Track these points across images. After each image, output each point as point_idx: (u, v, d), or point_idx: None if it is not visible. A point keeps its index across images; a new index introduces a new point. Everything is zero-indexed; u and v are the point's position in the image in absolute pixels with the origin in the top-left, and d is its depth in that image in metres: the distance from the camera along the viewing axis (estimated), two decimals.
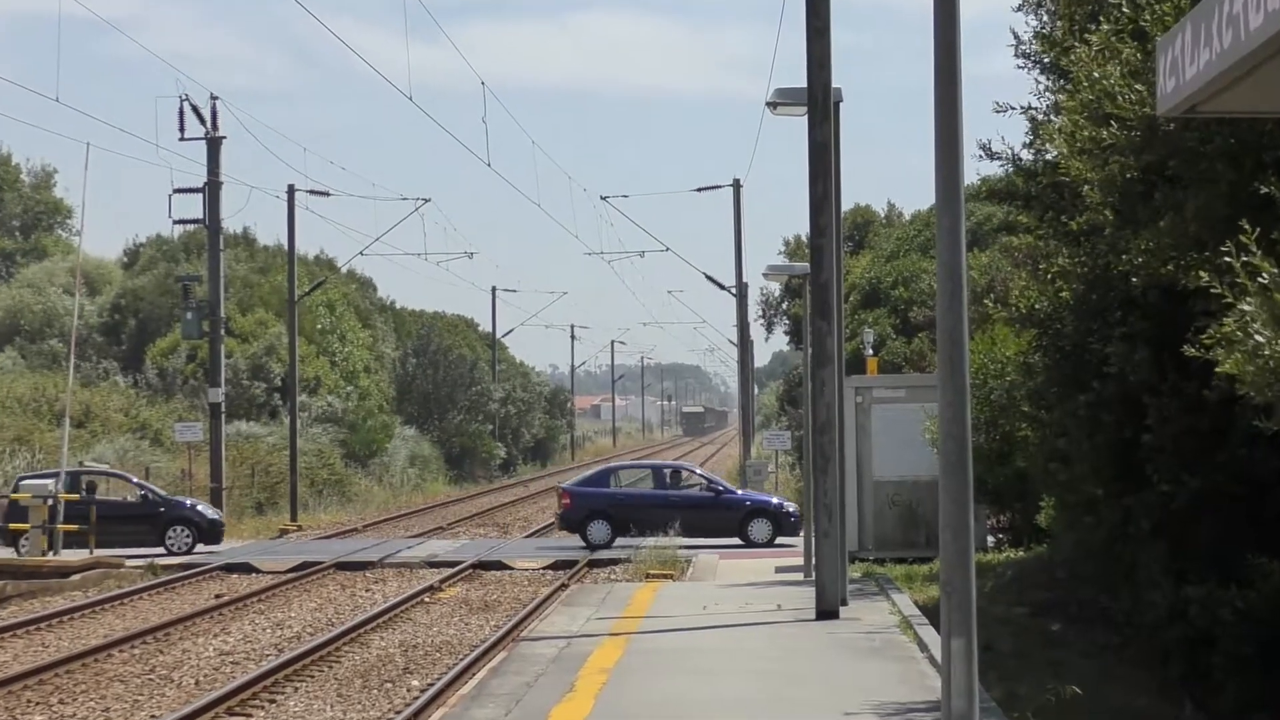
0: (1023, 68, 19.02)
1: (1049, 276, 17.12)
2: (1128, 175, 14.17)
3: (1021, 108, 18.55)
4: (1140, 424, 15.30)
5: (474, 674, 18.41)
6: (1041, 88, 18.74)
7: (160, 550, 35.01)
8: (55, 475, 34.38)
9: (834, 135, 20.76)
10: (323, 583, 31.20)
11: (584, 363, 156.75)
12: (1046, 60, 18.47)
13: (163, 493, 37.42)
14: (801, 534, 29.63)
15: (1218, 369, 9.64)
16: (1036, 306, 17.68)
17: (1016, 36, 19.13)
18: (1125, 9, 14.27)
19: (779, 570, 28.31)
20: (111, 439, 48.81)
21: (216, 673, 20.30)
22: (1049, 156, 17.89)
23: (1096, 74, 13.95)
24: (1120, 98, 13.44)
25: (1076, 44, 15.53)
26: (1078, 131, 14.36)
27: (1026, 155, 19.04)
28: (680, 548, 31.13)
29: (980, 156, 19.11)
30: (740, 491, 37.57)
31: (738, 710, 14.34)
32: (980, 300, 20.46)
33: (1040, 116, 18.42)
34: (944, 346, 9.28)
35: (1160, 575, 15.51)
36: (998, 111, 18.61)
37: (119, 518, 35.43)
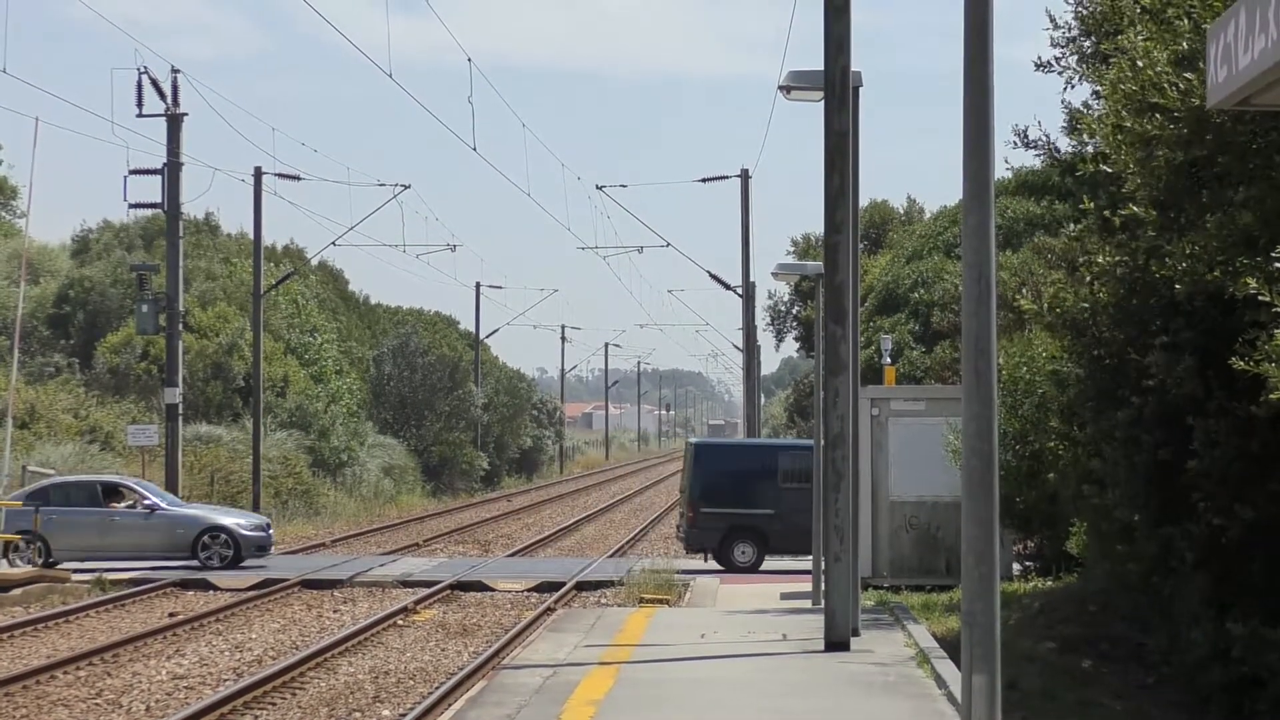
0: (1058, 58, 19.00)
1: (1087, 278, 17.09)
2: (1173, 167, 14.17)
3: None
4: (1184, 446, 15.24)
5: (450, 704, 18.43)
6: (1079, 76, 18.76)
7: None
8: None
9: (853, 123, 20.78)
10: (286, 602, 31.19)
11: (575, 366, 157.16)
12: (1086, 45, 18.50)
13: None
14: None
15: (1271, 395, 9.62)
16: (1070, 305, 17.63)
17: (1053, 19, 19.15)
18: None
19: (784, 596, 28.34)
20: (58, 442, 48.79)
21: (169, 698, 20.30)
22: (1088, 149, 17.89)
23: (1141, 62, 13.96)
24: (1167, 88, 13.45)
25: (1121, 26, 15.56)
26: (1120, 123, 14.37)
27: (1065, 144, 19.03)
28: (677, 572, 31.11)
29: (1014, 144, 19.06)
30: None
31: None
32: (1011, 302, 20.43)
33: (1080, 105, 18.44)
34: (969, 355, 9.30)
35: (1202, 610, 15.49)
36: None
37: None
